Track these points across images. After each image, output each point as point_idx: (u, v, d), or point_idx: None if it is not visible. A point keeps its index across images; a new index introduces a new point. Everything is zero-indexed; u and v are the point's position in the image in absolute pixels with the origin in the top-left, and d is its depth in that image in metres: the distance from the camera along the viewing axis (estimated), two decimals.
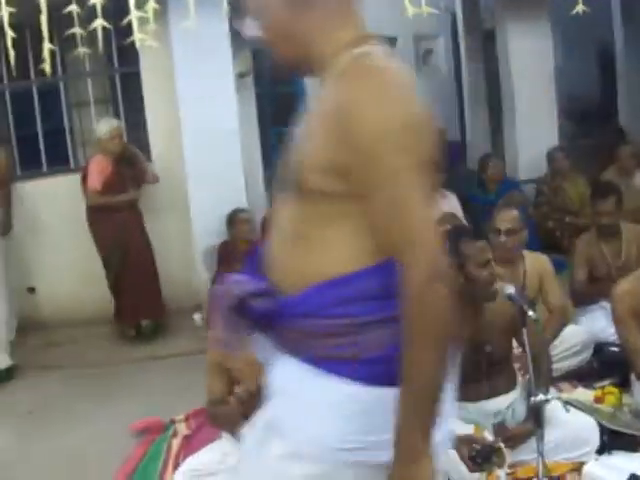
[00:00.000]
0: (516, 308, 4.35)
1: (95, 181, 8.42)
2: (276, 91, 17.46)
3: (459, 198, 9.42)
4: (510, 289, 4.43)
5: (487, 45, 12.88)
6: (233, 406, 4.60)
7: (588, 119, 14.76)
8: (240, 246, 8.18)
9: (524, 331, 4.23)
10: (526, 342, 4.21)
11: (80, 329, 8.86)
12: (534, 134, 10.63)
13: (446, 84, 17.12)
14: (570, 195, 9.87)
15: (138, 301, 8.51)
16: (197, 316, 8.56)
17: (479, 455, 4.22)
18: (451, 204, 9.16)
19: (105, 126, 8.47)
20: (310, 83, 17.52)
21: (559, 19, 10.91)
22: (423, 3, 6.11)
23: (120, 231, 8.44)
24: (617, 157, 9.89)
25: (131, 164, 8.64)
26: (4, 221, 8.33)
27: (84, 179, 8.57)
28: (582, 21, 13.10)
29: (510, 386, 4.80)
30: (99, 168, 8.46)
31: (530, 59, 10.57)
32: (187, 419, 5.96)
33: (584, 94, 14.93)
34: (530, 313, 4.22)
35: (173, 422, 6.02)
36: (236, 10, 7.85)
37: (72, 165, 9.73)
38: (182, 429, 5.90)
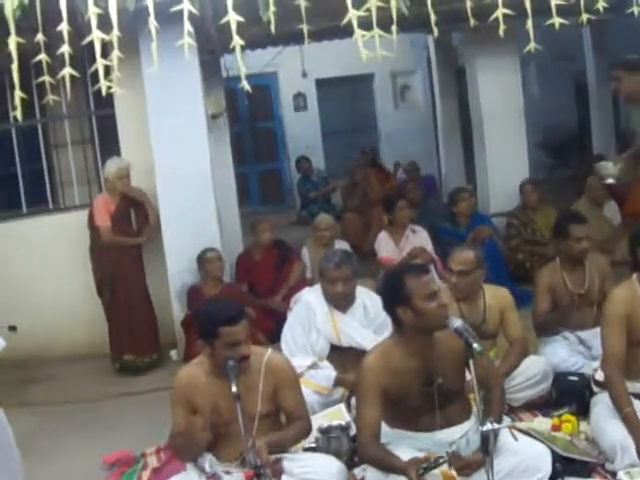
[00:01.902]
0: (463, 341, 4.53)
1: (104, 219, 8.65)
2: (254, 127, 17.71)
3: (431, 231, 9.62)
4: (457, 322, 4.61)
5: (460, 80, 13.11)
6: (192, 437, 4.79)
7: (563, 151, 15.01)
8: (209, 287, 8.39)
9: (471, 363, 4.42)
10: (473, 374, 4.39)
11: (59, 366, 9.02)
12: (505, 167, 10.82)
13: (423, 118, 17.36)
14: (540, 227, 10.07)
15: (132, 335, 8.73)
16: (173, 352, 8.70)
17: (427, 468, 4.40)
18: (421, 238, 9.37)
19: (113, 165, 8.67)
20: (287, 117, 17.76)
21: (532, 54, 11.12)
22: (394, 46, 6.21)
23: (120, 267, 8.71)
24: (588, 187, 10.09)
25: (136, 204, 8.84)
26: None
27: (91, 217, 8.81)
28: (555, 54, 13.38)
29: (464, 416, 4.89)
30: (105, 206, 8.70)
31: (499, 94, 10.79)
32: (158, 452, 6.07)
33: (559, 126, 15.18)
34: (475, 345, 4.41)
35: (144, 455, 6.13)
36: (207, 52, 8.09)
37: (51, 205, 9.91)
38: (152, 462, 6.01)
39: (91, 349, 9.09)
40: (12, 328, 9.00)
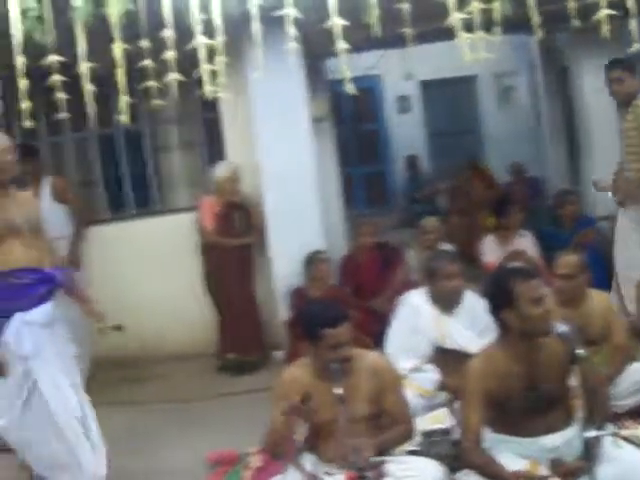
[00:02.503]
0: (568, 346, 4.48)
1: (207, 221, 8.83)
2: (358, 130, 17.74)
3: (535, 234, 9.51)
4: (562, 327, 4.57)
5: (565, 81, 12.94)
6: (293, 439, 4.82)
7: None
8: (314, 289, 8.44)
9: (576, 369, 4.38)
10: (577, 380, 4.35)
11: (165, 365, 9.21)
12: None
13: (527, 120, 17.15)
14: None
15: (237, 334, 8.91)
16: (277, 353, 8.76)
17: None
18: (526, 242, 9.28)
19: (223, 169, 8.81)
20: (391, 119, 17.77)
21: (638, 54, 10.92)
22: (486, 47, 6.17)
23: (227, 267, 8.89)
24: None
25: (241, 206, 8.96)
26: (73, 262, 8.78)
27: (199, 218, 9.06)
28: None
29: (567, 422, 4.79)
30: (211, 209, 8.89)
31: (605, 95, 10.61)
32: (260, 452, 6.11)
33: None
34: (579, 351, 4.36)
35: (246, 454, 6.20)
36: (311, 56, 8.13)
37: (157, 207, 10.12)
38: (254, 461, 6.09)
39: (197, 349, 9.23)
40: (117, 328, 9.19)
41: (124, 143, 10.01)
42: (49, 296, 5.80)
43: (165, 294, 9.54)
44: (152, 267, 9.55)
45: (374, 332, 7.88)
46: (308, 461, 4.90)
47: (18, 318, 5.66)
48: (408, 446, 5.31)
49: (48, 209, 8.39)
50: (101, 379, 8.61)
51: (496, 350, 4.79)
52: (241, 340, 8.87)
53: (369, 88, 17.31)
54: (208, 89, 5.77)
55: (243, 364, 8.83)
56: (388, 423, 5.05)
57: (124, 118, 5.85)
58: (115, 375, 8.99)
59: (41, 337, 5.72)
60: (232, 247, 8.85)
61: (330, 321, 4.81)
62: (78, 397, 5.91)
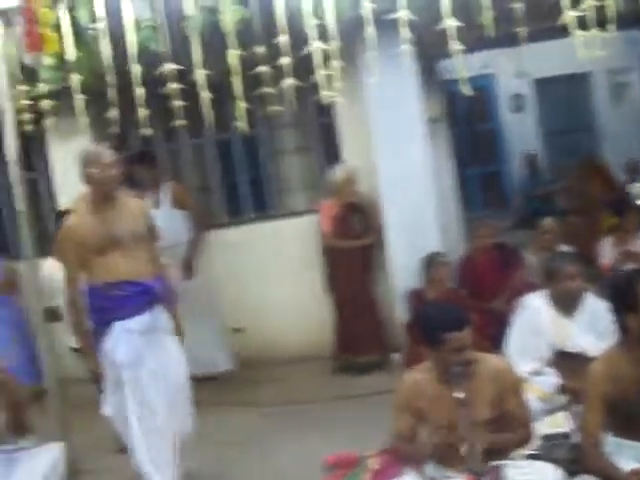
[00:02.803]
0: None
1: (326, 224, 8.88)
2: (473, 130, 17.60)
3: None
4: None
5: None
6: (419, 444, 4.81)
7: None
8: (433, 292, 8.38)
9: None
10: None
11: (284, 367, 9.28)
12: None
13: None
14: None
15: (356, 335, 8.94)
16: (395, 355, 8.74)
17: None
18: None
19: (340, 172, 8.87)
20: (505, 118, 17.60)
21: None
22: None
23: (346, 268, 8.95)
24: None
25: (361, 209, 8.99)
26: (189, 267, 8.98)
27: (319, 221, 9.13)
28: None
29: None
30: (329, 212, 8.93)
31: None
32: (378, 455, 6.11)
33: None
34: None
35: (365, 457, 6.18)
36: (425, 57, 8.09)
37: (274, 211, 10.19)
38: (373, 464, 6.08)
39: (315, 350, 9.27)
40: (237, 330, 9.32)
41: (241, 148, 10.10)
42: (147, 307, 6.05)
43: (283, 297, 9.62)
44: (270, 271, 9.64)
45: (492, 335, 7.81)
46: (428, 465, 4.89)
47: (117, 327, 5.94)
48: (527, 450, 5.26)
49: (167, 215, 8.59)
50: (221, 381, 8.74)
51: (617, 353, 4.71)
52: (360, 341, 8.90)
53: (483, 87, 17.16)
54: (325, 94, 5.82)
55: (361, 365, 8.84)
56: (508, 426, 5.00)
57: (242, 125, 5.94)
58: (235, 377, 9.11)
59: (138, 345, 6.00)
60: (351, 248, 8.87)
61: (452, 325, 4.78)
62: (176, 403, 6.24)
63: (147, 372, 6.07)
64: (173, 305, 6.41)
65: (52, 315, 7.17)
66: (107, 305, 5.99)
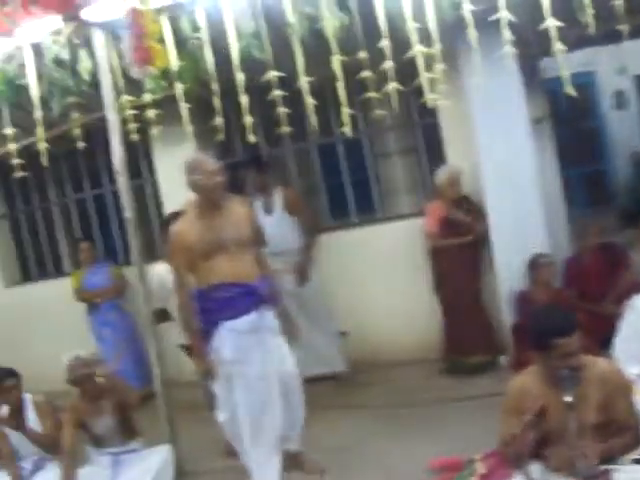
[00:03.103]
0: None
1: (432, 225, 8.90)
2: (575, 128, 17.33)
3: None
4: None
5: None
6: (522, 446, 4.79)
7: None
8: (539, 293, 8.28)
9: None
10: None
11: (391, 369, 9.30)
12: None
13: None
14: None
15: (463, 336, 8.91)
16: (502, 358, 8.67)
17: None
18: None
19: (444, 173, 8.88)
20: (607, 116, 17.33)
21: None
22: None
23: (453, 269, 8.91)
24: None
25: (467, 211, 8.96)
26: (304, 272, 9.06)
27: (425, 222, 9.12)
28: None
29: None
30: (435, 213, 8.94)
31: None
32: (485, 458, 6.05)
33: None
34: None
35: (471, 461, 6.16)
36: (526, 57, 8.03)
37: (379, 214, 10.19)
38: (479, 468, 6.04)
39: (422, 353, 9.28)
40: (342, 333, 9.37)
41: (344, 151, 10.14)
42: (253, 307, 6.23)
43: (391, 300, 9.63)
44: (375, 274, 9.66)
45: (600, 336, 7.71)
46: (535, 469, 4.86)
47: (223, 327, 6.17)
48: (635, 454, 5.19)
49: (279, 221, 8.70)
50: (330, 383, 8.78)
51: None
52: (468, 342, 8.85)
53: (585, 85, 16.90)
54: (429, 97, 5.83)
55: (469, 367, 8.80)
56: (616, 430, 4.94)
57: (347, 130, 5.98)
58: (344, 380, 9.16)
59: (242, 344, 6.18)
60: (458, 249, 8.83)
61: (561, 330, 4.73)
62: (284, 403, 6.36)
63: (254, 371, 6.23)
64: (279, 305, 6.56)
65: (162, 316, 7.31)
66: (214, 306, 6.20)
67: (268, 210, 9.00)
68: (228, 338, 6.18)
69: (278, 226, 8.70)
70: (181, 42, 6.42)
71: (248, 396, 6.24)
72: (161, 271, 7.41)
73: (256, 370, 6.23)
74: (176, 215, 7.23)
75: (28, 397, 7.54)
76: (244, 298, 6.19)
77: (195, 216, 6.25)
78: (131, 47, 5.93)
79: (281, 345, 6.43)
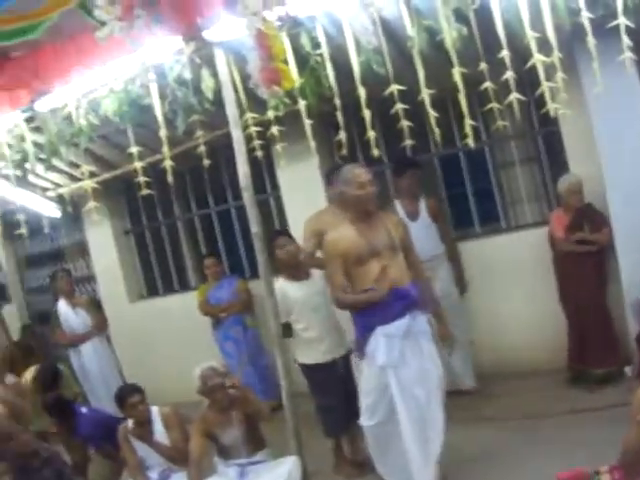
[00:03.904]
0: None
1: (558, 231, 8.85)
2: None
3: None
4: None
5: None
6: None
7: None
8: None
9: None
10: None
11: (517, 380, 9.22)
12: None
13: None
14: None
15: (587, 346, 8.77)
16: (628, 369, 8.54)
17: None
18: None
19: (565, 182, 8.82)
20: None
21: None
22: None
23: (577, 277, 8.77)
24: None
25: (591, 219, 8.81)
26: (463, 281, 9.28)
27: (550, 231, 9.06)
28: None
29: None
30: (559, 221, 8.89)
31: None
32: (611, 471, 5.98)
33: None
34: None
35: (597, 473, 6.07)
36: None
37: (503, 224, 10.14)
38: None
39: (549, 363, 9.18)
40: (470, 343, 9.35)
41: (466, 162, 10.12)
42: (405, 311, 6.34)
43: (515, 310, 9.57)
44: (500, 284, 9.60)
45: None
46: None
47: (378, 331, 6.31)
48: None
49: (424, 227, 8.79)
50: (457, 395, 8.72)
51: None
52: (594, 352, 8.68)
53: None
54: (550, 106, 5.80)
55: (596, 377, 8.65)
56: None
57: (469, 141, 6.00)
58: (471, 392, 9.13)
59: (396, 349, 6.29)
60: (583, 257, 8.71)
61: None
62: (433, 409, 6.38)
63: (411, 376, 6.36)
64: (434, 310, 6.73)
65: (287, 331, 7.42)
66: (368, 311, 6.39)
67: (412, 216, 9.04)
68: (381, 342, 6.32)
69: (422, 233, 8.72)
70: (302, 59, 6.52)
71: (407, 402, 6.35)
72: (282, 286, 7.50)
73: (413, 375, 6.36)
74: (280, 233, 7.45)
75: (155, 409, 7.72)
76: (397, 303, 6.34)
77: (348, 224, 6.50)
78: (258, 68, 6.03)
79: (433, 351, 6.54)
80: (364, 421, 6.57)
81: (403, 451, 6.37)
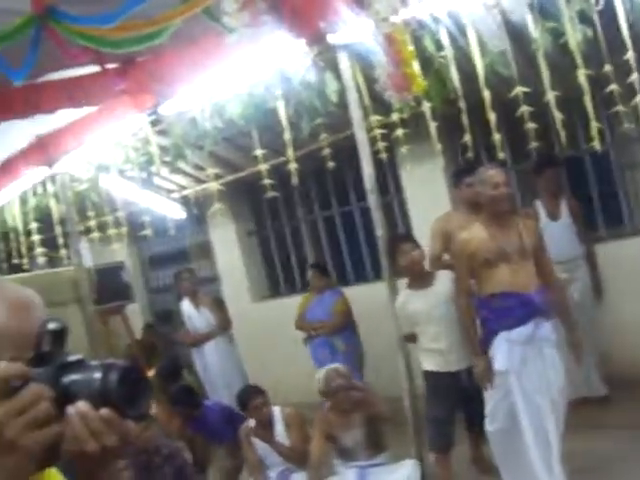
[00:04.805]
0: None
1: None
2: None
3: None
4: None
5: None
6: None
7: None
8: None
9: None
10: None
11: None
12: None
13: None
14: None
15: None
16: None
17: None
18: None
19: None
20: None
21: None
22: None
23: None
24: None
25: None
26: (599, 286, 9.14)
27: None
28: None
29: None
30: None
31: None
32: None
33: None
34: None
35: None
36: None
37: (628, 228, 9.95)
38: None
39: None
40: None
41: (591, 164, 9.96)
42: (528, 318, 6.27)
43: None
44: (626, 289, 9.35)
45: None
46: None
47: (499, 337, 6.28)
48: None
49: (564, 227, 8.69)
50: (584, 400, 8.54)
51: None
52: None
53: None
54: None
55: None
56: None
57: (595, 144, 5.92)
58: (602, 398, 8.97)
59: (518, 355, 6.25)
60: None
61: None
62: (554, 417, 6.25)
63: (532, 384, 6.27)
64: (564, 316, 6.60)
65: (411, 338, 7.32)
66: (492, 316, 6.38)
67: (553, 216, 8.92)
68: (503, 348, 6.28)
69: (562, 233, 8.61)
70: (426, 61, 6.51)
71: (529, 409, 6.27)
72: (405, 298, 7.33)
73: (535, 382, 6.28)
74: (404, 238, 7.39)
75: (277, 410, 7.78)
76: (520, 309, 6.29)
77: (479, 226, 6.44)
78: (386, 73, 6.05)
79: (556, 358, 6.42)
80: (487, 425, 6.52)
81: (526, 459, 6.29)
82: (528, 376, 6.27)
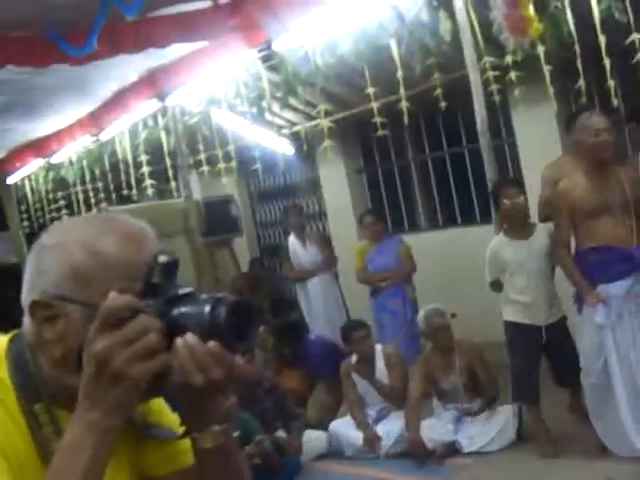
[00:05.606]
0: None
1: None
2: None
3: None
4: None
5: None
6: None
7: None
8: None
9: None
10: None
11: None
12: None
13: None
14: None
15: None
16: None
17: None
18: None
19: None
20: None
21: None
22: None
23: None
24: None
25: None
26: None
27: None
28: None
29: None
30: None
31: None
32: None
33: None
34: None
35: None
36: None
37: None
38: None
39: None
40: None
41: None
42: (628, 273, 6.12)
43: None
44: None
45: None
46: None
47: (598, 289, 6.15)
48: None
49: None
50: None
51: None
52: None
53: None
54: None
55: None
56: None
57: None
58: None
59: (615, 309, 6.12)
60: None
61: None
62: None
63: (626, 340, 6.17)
64: None
65: (497, 286, 7.20)
66: (590, 269, 6.21)
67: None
68: (601, 303, 6.14)
69: None
70: (542, 4, 6.37)
71: (622, 365, 6.18)
72: (498, 244, 7.20)
73: (630, 338, 6.16)
74: (510, 182, 7.24)
75: (378, 347, 7.82)
76: (618, 263, 6.15)
77: (581, 175, 6.30)
78: (503, 15, 5.95)
79: None
80: (582, 379, 6.44)
81: (617, 414, 6.19)
82: (623, 331, 6.15)
